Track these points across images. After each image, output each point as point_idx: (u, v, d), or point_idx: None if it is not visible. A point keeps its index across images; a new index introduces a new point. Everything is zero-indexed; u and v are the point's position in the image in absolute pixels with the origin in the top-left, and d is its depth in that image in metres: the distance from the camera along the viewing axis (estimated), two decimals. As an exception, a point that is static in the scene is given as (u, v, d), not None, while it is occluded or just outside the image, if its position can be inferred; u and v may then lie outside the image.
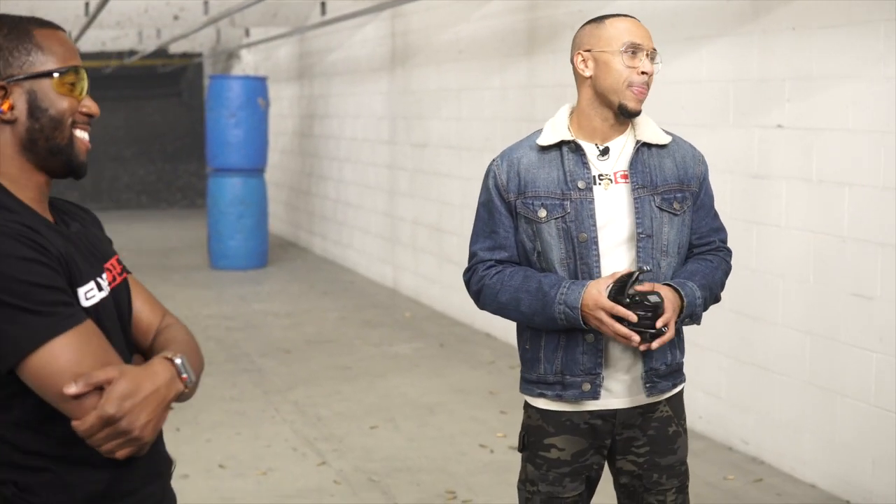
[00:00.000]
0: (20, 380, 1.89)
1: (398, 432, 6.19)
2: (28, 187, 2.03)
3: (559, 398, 3.11)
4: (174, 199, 19.15)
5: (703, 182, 3.22)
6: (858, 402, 4.96)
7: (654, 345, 2.95)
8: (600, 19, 3.10)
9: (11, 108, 1.99)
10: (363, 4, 9.91)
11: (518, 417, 6.38)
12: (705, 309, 3.13)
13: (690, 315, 3.04)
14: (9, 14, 2.06)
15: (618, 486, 3.27)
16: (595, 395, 3.08)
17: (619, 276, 2.96)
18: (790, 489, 5.25)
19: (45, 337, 1.85)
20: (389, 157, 10.76)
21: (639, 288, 2.93)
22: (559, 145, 3.09)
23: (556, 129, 3.12)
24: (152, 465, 2.11)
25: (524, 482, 3.24)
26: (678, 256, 3.14)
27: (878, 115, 4.76)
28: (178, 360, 1.99)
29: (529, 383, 3.20)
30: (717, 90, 5.67)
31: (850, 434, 5.02)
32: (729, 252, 3.29)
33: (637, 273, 2.93)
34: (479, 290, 3.17)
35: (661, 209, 3.09)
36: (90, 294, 2.01)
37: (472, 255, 3.21)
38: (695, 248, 3.22)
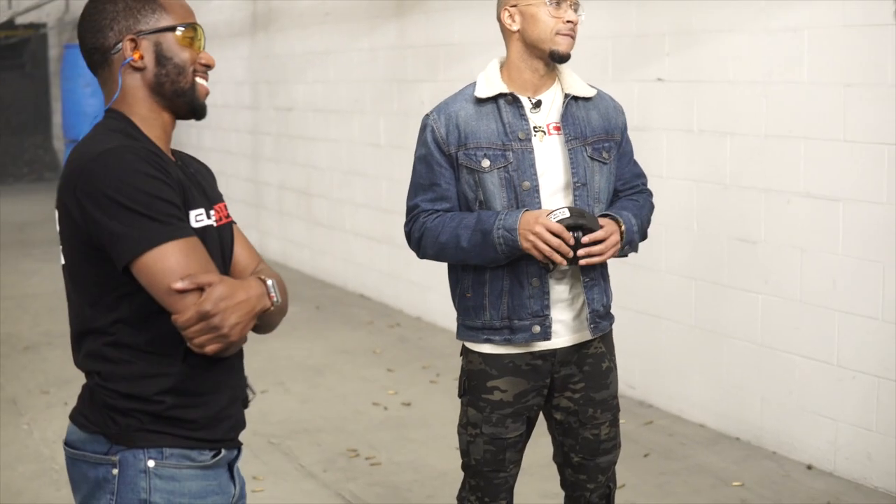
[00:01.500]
0: (128, 282, 2.17)
1: (290, 395, 6.20)
2: (155, 126, 2.33)
3: (508, 342, 3.21)
4: (21, 174, 18.52)
5: (624, 131, 3.36)
6: (745, 343, 5.17)
7: (584, 262, 3.06)
8: None
9: (141, 57, 2.30)
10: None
11: (404, 375, 6.55)
12: (642, 239, 3.28)
13: (629, 242, 3.18)
14: None
15: (553, 425, 3.38)
16: (546, 335, 3.19)
17: (547, 211, 3.07)
18: (681, 429, 5.46)
19: (159, 240, 2.12)
20: (252, 123, 10.67)
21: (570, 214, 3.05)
22: (496, 98, 3.18)
23: (490, 83, 3.20)
24: (225, 377, 2.35)
25: (465, 426, 3.31)
26: (608, 203, 3.28)
27: (759, 66, 4.95)
28: (269, 282, 2.25)
29: (473, 330, 3.27)
30: (597, 46, 5.79)
31: (738, 374, 5.24)
32: (651, 193, 3.44)
33: (567, 209, 3.06)
34: (421, 235, 3.22)
35: (592, 159, 3.22)
36: (199, 217, 2.29)
37: (412, 208, 3.27)
38: (620, 193, 3.35)
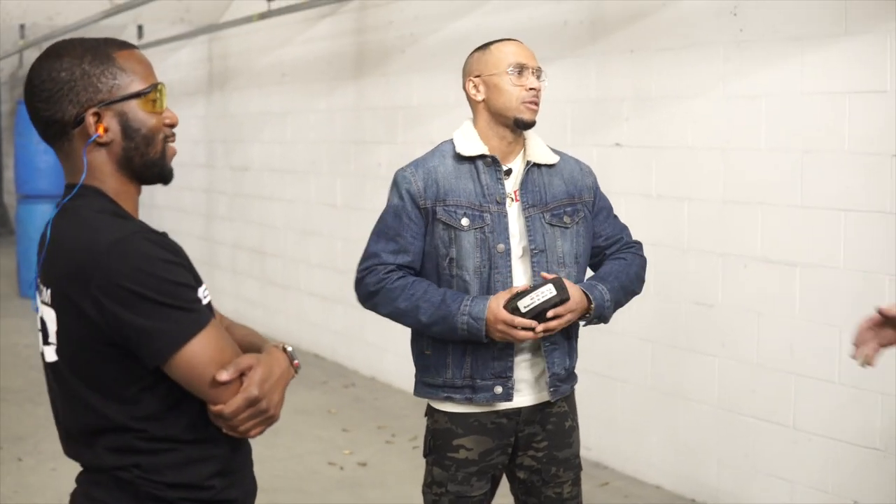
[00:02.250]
0: (149, 375, 2.08)
1: None
2: (127, 199, 2.19)
3: (469, 401, 3.23)
4: (-28, 229, 18.36)
5: (596, 190, 3.41)
6: (702, 405, 5.22)
7: (539, 329, 3.09)
8: (486, 46, 3.29)
9: (106, 130, 2.13)
10: (179, 29, 9.83)
11: (360, 435, 6.52)
12: (621, 305, 3.35)
13: (599, 316, 3.21)
14: (85, 38, 2.19)
15: (516, 485, 3.40)
16: (508, 396, 3.22)
17: (514, 291, 3.12)
18: (637, 491, 5.48)
19: (193, 331, 2.05)
20: (207, 181, 10.65)
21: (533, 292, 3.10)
22: (474, 159, 3.23)
23: (470, 142, 3.25)
24: (249, 446, 2.31)
25: (430, 485, 3.33)
26: (576, 266, 3.31)
27: (717, 132, 5.05)
28: (289, 349, 2.23)
29: (433, 387, 3.30)
30: (556, 111, 5.87)
31: (695, 436, 5.28)
32: (640, 245, 3.52)
33: (528, 287, 3.11)
34: (377, 291, 3.24)
35: (551, 224, 3.27)
36: (205, 293, 2.18)
37: (371, 255, 3.27)
38: (606, 251, 3.41)
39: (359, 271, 3.30)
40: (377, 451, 6.25)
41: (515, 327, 3.07)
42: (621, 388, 5.69)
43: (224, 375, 2.04)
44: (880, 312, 2.84)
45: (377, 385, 7.80)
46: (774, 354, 4.86)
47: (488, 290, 3.18)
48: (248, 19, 8.58)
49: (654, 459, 5.53)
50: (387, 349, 7.68)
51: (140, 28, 9.76)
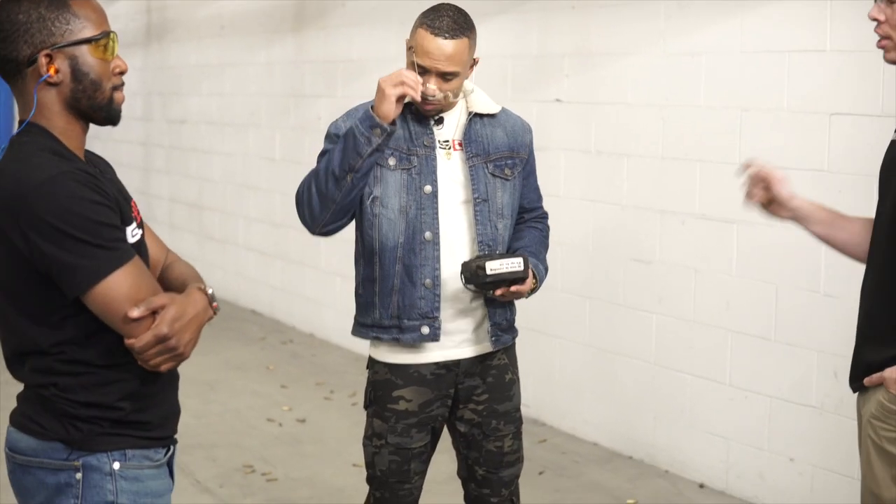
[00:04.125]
0: (73, 304, 2.20)
1: (184, 410, 5.91)
2: (73, 136, 2.31)
3: (396, 342, 3.23)
4: None
5: (531, 150, 3.41)
6: (639, 362, 5.25)
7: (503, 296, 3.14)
8: (421, 19, 3.17)
9: (57, 71, 2.26)
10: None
11: (298, 391, 6.50)
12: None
13: (534, 291, 3.25)
14: None
15: (457, 438, 3.41)
16: (435, 336, 3.22)
17: (465, 263, 3.14)
18: (574, 447, 5.51)
19: (110, 268, 2.17)
20: (144, 134, 10.52)
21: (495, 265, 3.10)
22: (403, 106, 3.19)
23: None
24: (169, 375, 2.40)
25: (370, 437, 3.33)
26: (511, 218, 3.34)
27: (657, 90, 5.04)
28: (209, 291, 2.35)
29: (364, 327, 3.32)
30: (496, 66, 5.84)
31: (631, 393, 5.31)
32: (547, 215, 3.54)
33: (481, 257, 3.14)
34: (303, 191, 3.21)
35: (493, 175, 3.27)
36: (134, 232, 2.33)
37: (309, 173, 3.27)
38: (525, 214, 3.42)
39: (297, 193, 3.28)
40: (316, 408, 6.23)
41: (405, 81, 3.04)
42: (559, 344, 5.71)
43: (135, 312, 2.16)
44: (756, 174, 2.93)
45: (315, 341, 7.77)
46: (711, 311, 4.89)
47: (413, 231, 3.18)
48: (185, -31, 8.45)
49: (591, 416, 5.56)
50: (325, 305, 7.64)
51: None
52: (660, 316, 5.13)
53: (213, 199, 9.30)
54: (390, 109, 3.05)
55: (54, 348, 2.26)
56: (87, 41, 2.27)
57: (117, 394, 2.29)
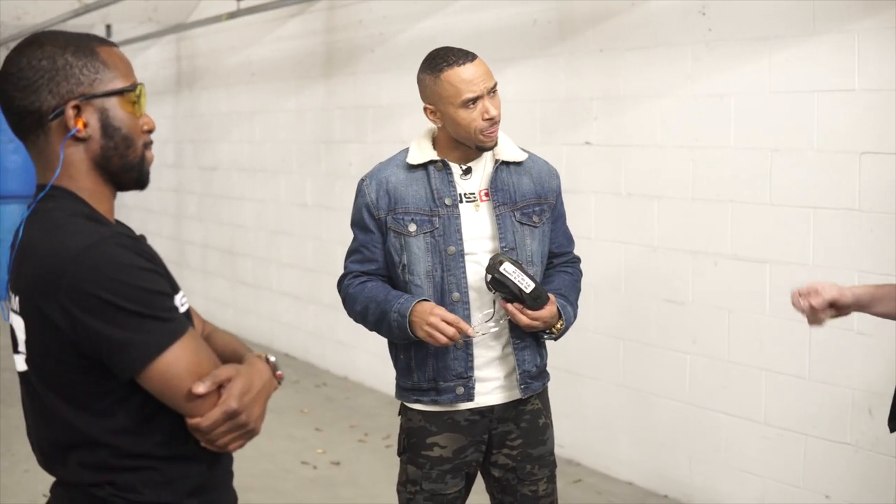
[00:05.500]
0: (123, 387, 1.98)
1: None
2: (102, 201, 2.08)
3: (435, 403, 3.29)
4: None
5: (559, 195, 3.44)
6: (673, 402, 5.26)
7: (512, 312, 3.17)
8: (435, 70, 3.19)
9: (85, 125, 2.02)
10: (147, 28, 9.79)
11: (333, 434, 6.53)
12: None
13: (563, 334, 3.31)
14: (66, 31, 2.08)
15: (491, 483, 3.43)
16: (469, 396, 3.27)
17: (495, 255, 3.18)
18: (609, 487, 5.51)
19: (168, 342, 1.95)
20: (176, 181, 10.62)
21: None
22: (426, 164, 3.26)
23: (422, 150, 3.29)
24: (229, 460, 2.21)
25: (405, 484, 3.36)
26: (542, 265, 3.37)
27: (686, 131, 5.08)
28: (272, 359, 2.16)
29: (405, 391, 3.37)
30: (525, 110, 5.90)
31: (666, 432, 5.32)
32: (580, 259, 3.58)
33: (513, 260, 3.16)
34: (344, 299, 3.37)
35: (521, 223, 3.30)
36: (184, 301, 2.08)
37: (345, 268, 3.38)
38: (554, 259, 3.45)
39: (337, 288, 3.42)
40: (350, 450, 6.26)
41: (442, 330, 3.10)
42: (592, 385, 5.72)
43: (201, 388, 1.94)
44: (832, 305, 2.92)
45: (349, 384, 7.80)
46: (745, 351, 4.90)
47: (441, 293, 3.23)
48: (216, 19, 8.55)
49: (626, 456, 5.57)
50: (358, 348, 7.68)
51: (108, 27, 9.72)
52: (694, 356, 5.14)
53: (245, 245, 9.38)
54: (423, 338, 3.15)
55: (107, 438, 2.01)
56: (119, 92, 2.04)
57: (185, 489, 2.08)
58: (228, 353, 2.21)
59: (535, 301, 3.15)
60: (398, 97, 7.12)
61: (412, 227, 3.23)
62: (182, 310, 2.06)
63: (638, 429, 5.49)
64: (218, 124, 9.75)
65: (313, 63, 8.11)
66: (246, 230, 9.34)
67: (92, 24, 9.71)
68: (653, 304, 5.34)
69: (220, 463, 2.14)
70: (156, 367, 1.94)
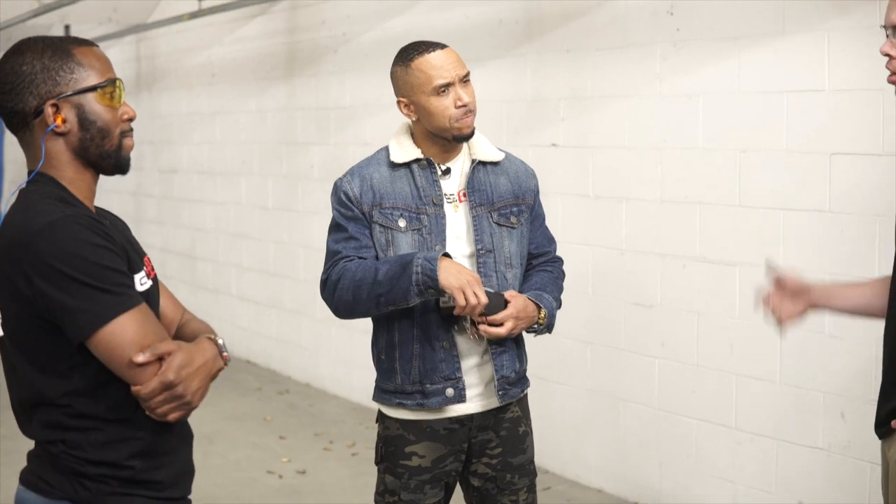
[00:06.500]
0: (80, 353, 2.18)
1: None
2: (82, 186, 2.31)
3: (421, 407, 3.17)
4: None
5: (537, 195, 3.36)
6: (642, 406, 5.19)
7: (484, 332, 3.10)
8: (406, 60, 3.16)
9: (64, 121, 2.27)
10: (106, 29, 9.67)
11: (297, 442, 6.42)
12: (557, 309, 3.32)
13: (549, 326, 3.19)
14: (46, 36, 2.33)
15: (470, 493, 3.36)
16: (461, 398, 3.17)
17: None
18: (578, 494, 5.44)
19: (116, 312, 2.15)
20: (135, 184, 10.46)
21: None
22: (409, 163, 3.18)
23: (404, 148, 3.21)
24: (183, 432, 2.39)
25: (382, 493, 3.27)
26: (521, 267, 3.29)
27: (654, 131, 5.02)
28: (220, 341, 2.32)
29: (386, 393, 3.25)
30: (491, 111, 5.81)
31: (636, 438, 5.25)
32: (562, 260, 3.45)
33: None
34: (340, 277, 3.14)
35: (499, 224, 3.22)
36: (143, 281, 2.32)
37: (333, 253, 3.20)
38: (533, 259, 3.35)
39: (323, 273, 3.23)
40: (315, 459, 6.15)
41: (477, 293, 2.99)
42: (561, 390, 5.65)
43: (140, 357, 2.13)
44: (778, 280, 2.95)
45: (312, 391, 7.69)
46: (715, 354, 4.84)
47: None
48: (177, 19, 8.43)
49: (595, 462, 5.50)
50: (321, 354, 7.57)
51: (67, 28, 9.55)
52: (662, 360, 5.08)
53: (205, 249, 9.25)
54: (450, 286, 2.99)
55: (62, 399, 2.22)
56: (93, 89, 2.27)
57: (128, 451, 2.26)
58: (193, 339, 2.37)
59: (492, 309, 3.06)
60: (361, 98, 7.02)
61: (402, 223, 3.14)
62: (141, 288, 2.29)
63: (607, 434, 5.42)
64: (178, 126, 9.61)
65: (275, 63, 8.00)
66: (206, 233, 9.21)
67: (51, 24, 9.56)
68: (621, 308, 5.28)
69: (168, 431, 2.31)
70: (102, 335, 2.14)
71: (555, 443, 5.70)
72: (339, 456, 6.14)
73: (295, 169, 7.81)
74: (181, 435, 2.38)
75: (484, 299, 3.00)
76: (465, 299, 2.98)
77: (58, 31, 10.11)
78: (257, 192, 8.35)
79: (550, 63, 5.53)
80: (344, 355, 7.21)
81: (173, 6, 8.99)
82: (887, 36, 2.58)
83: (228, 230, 8.85)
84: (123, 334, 2.14)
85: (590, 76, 5.32)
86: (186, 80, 9.40)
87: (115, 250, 2.20)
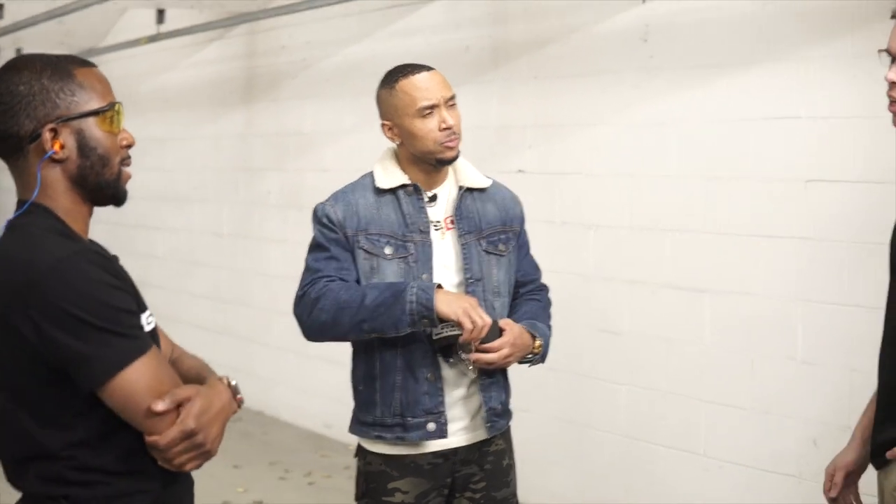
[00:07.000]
0: (84, 400, 2.02)
1: None
2: (78, 219, 2.14)
3: (401, 441, 3.09)
4: None
5: (523, 222, 3.34)
6: (609, 434, 5.16)
7: (476, 360, 3.02)
8: (391, 83, 3.11)
9: (62, 146, 2.09)
10: (59, 52, 9.54)
11: (252, 471, 6.31)
12: None
13: (543, 355, 3.14)
14: (46, 54, 2.16)
15: None
16: (442, 433, 3.09)
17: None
18: (542, 523, 5.39)
19: (130, 358, 1.99)
20: (83, 211, 10.32)
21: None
22: (395, 189, 3.12)
23: (389, 173, 3.14)
24: (188, 481, 2.25)
25: None
26: (509, 296, 3.24)
27: (624, 159, 5.02)
28: (233, 382, 2.19)
29: (365, 426, 3.15)
30: (456, 137, 5.79)
31: (602, 465, 5.22)
32: (548, 288, 3.42)
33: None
34: (320, 296, 3.04)
35: (487, 252, 3.17)
36: (150, 320, 2.14)
37: (313, 270, 3.10)
38: (521, 288, 3.32)
39: (300, 289, 3.12)
40: (272, 488, 6.06)
41: (481, 315, 2.94)
42: (527, 417, 5.58)
43: (160, 405, 1.99)
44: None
45: (265, 419, 7.58)
46: (684, 381, 4.82)
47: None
48: (133, 43, 8.33)
49: (561, 490, 5.45)
50: (276, 382, 7.47)
51: (19, 51, 9.43)
52: (630, 387, 5.06)
53: (157, 277, 9.11)
54: (453, 314, 2.93)
55: (64, 451, 2.05)
56: (95, 113, 2.12)
57: None
58: (192, 376, 2.25)
59: (488, 337, 3.00)
60: (321, 124, 6.97)
61: (388, 250, 3.06)
62: (147, 329, 2.11)
63: (573, 462, 5.38)
64: (131, 152, 9.48)
65: (232, 89, 7.93)
66: (158, 260, 9.08)
67: (2, 47, 9.44)
68: (588, 335, 5.25)
69: (176, 482, 2.17)
70: (117, 383, 1.98)
71: (520, 470, 5.62)
72: (295, 485, 6.05)
73: (251, 195, 7.73)
74: (186, 485, 2.25)
75: (489, 319, 2.95)
76: (472, 322, 2.92)
77: (9, 55, 9.98)
78: (212, 218, 8.26)
79: (517, 90, 5.53)
80: (300, 383, 7.12)
81: (128, 30, 8.91)
82: (892, 61, 2.51)
83: (181, 257, 8.73)
84: (139, 381, 1.99)
85: (558, 103, 5.32)
86: (139, 106, 9.29)
87: (127, 290, 2.06)
